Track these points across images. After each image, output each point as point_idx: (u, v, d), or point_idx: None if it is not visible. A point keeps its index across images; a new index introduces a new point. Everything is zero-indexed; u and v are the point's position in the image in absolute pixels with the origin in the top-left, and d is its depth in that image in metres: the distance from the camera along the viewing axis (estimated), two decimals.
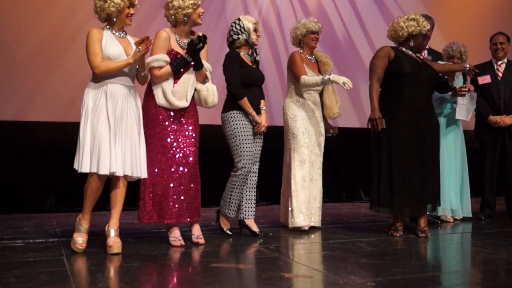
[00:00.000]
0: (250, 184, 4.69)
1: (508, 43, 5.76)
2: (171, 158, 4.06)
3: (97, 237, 4.33)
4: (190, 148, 4.14)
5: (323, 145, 5.03)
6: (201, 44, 4.01)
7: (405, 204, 4.56)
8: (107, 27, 3.96)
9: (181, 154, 4.10)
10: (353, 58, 7.50)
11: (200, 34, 4.14)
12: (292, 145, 4.93)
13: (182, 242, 4.11)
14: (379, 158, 4.63)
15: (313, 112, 4.98)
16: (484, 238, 4.68)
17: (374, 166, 4.67)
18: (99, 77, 3.84)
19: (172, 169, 4.06)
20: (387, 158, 4.58)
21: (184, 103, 4.05)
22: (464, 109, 5.41)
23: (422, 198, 4.61)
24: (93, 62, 3.82)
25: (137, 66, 3.97)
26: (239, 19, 4.67)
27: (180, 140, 4.10)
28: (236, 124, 4.51)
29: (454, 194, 5.45)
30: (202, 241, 4.19)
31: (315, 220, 4.91)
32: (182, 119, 4.12)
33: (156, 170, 4.04)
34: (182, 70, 4.06)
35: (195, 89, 4.18)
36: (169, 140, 4.06)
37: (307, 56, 5.04)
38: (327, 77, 4.69)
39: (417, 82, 4.62)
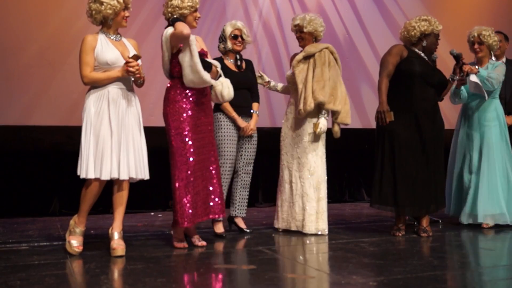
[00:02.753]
0: (243, 183, 4.82)
1: (506, 41, 5.66)
2: (200, 156, 4.11)
3: (101, 239, 4.35)
4: (212, 146, 4.23)
5: (302, 146, 4.77)
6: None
7: (407, 203, 4.57)
8: (102, 31, 3.97)
9: (207, 153, 4.17)
10: (354, 59, 7.51)
11: None
12: None
13: (186, 244, 4.13)
14: (382, 156, 4.64)
15: (291, 113, 4.89)
16: (484, 238, 4.70)
17: (376, 164, 4.68)
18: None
19: (202, 169, 4.12)
20: (391, 157, 4.59)
21: (209, 78, 4.05)
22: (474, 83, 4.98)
23: (425, 198, 4.62)
24: (83, 71, 3.84)
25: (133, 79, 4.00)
26: (224, 26, 4.79)
27: (203, 138, 4.15)
28: (218, 126, 4.66)
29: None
30: (204, 243, 4.20)
31: (295, 225, 4.80)
32: (202, 119, 4.16)
33: (189, 172, 4.05)
34: None
35: (211, 85, 4.23)
36: (195, 140, 4.09)
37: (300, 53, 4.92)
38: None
39: (426, 83, 4.63)
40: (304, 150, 4.77)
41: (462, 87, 5.07)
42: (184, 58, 4.01)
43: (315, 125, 4.67)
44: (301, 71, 4.76)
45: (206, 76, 4.03)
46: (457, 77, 4.85)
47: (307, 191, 4.73)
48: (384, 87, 4.55)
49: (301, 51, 4.89)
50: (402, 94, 4.62)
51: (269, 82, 5.10)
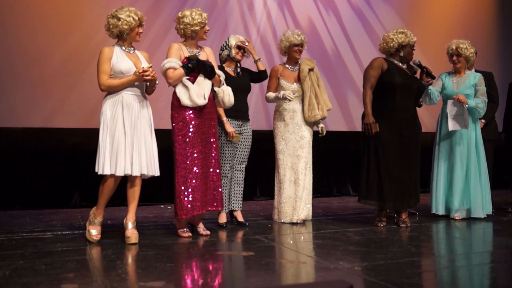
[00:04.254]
0: (237, 180, 4.82)
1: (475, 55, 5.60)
2: (200, 154, 4.08)
3: (117, 229, 4.35)
4: (213, 144, 4.19)
5: (307, 147, 4.88)
6: (190, 64, 4.05)
7: (391, 199, 4.58)
8: (118, 43, 3.98)
9: (208, 151, 4.15)
10: (340, 69, 7.51)
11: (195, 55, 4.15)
12: (275, 151, 4.97)
13: (190, 233, 4.13)
14: (368, 158, 4.63)
15: (292, 119, 4.88)
16: (456, 228, 4.70)
17: (363, 165, 4.66)
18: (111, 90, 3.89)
19: (203, 166, 4.10)
20: (376, 158, 4.59)
21: (203, 100, 4.06)
22: (453, 119, 5.03)
23: (407, 194, 4.64)
24: (100, 79, 3.85)
25: (148, 84, 4.01)
26: (228, 37, 4.77)
27: (204, 139, 4.13)
28: (220, 130, 4.63)
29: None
30: (208, 232, 4.20)
31: (303, 215, 4.83)
32: (204, 122, 4.14)
33: (188, 168, 4.04)
34: (196, 71, 4.08)
35: (215, 92, 4.22)
36: (197, 138, 4.08)
37: (288, 67, 4.96)
38: (278, 94, 4.87)
39: (406, 92, 4.61)
40: (309, 151, 4.92)
41: (430, 87, 5.00)
42: (180, 95, 4.04)
43: (322, 129, 4.96)
44: (307, 82, 4.91)
45: (199, 101, 4.03)
46: (424, 81, 4.83)
47: (308, 186, 4.91)
48: (369, 99, 4.55)
49: (284, 64, 5.01)
50: (385, 104, 4.60)
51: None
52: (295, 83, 4.92)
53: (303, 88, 4.90)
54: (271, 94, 4.93)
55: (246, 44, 4.77)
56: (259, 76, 4.92)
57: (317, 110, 4.86)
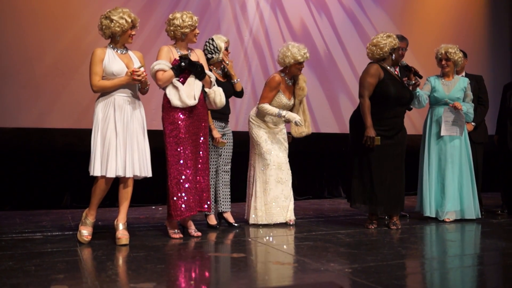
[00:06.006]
0: (224, 181, 4.80)
1: (465, 58, 5.57)
2: (191, 155, 4.08)
3: (107, 230, 4.33)
4: (202, 144, 4.17)
5: (287, 150, 4.93)
6: (183, 63, 4.05)
7: (384, 203, 4.60)
8: (110, 45, 3.96)
9: (197, 153, 4.14)
10: (332, 71, 7.52)
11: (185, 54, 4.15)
12: (257, 151, 4.85)
13: (181, 235, 4.12)
14: (360, 163, 4.64)
15: (282, 123, 4.90)
16: (446, 230, 4.72)
17: (354, 170, 4.67)
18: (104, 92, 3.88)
19: (194, 167, 4.09)
20: (368, 164, 4.59)
21: (193, 101, 4.06)
22: (450, 125, 5.10)
23: (398, 198, 4.67)
24: (92, 80, 3.84)
25: (140, 85, 4.00)
26: (212, 39, 4.67)
27: (195, 140, 4.13)
28: None
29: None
30: (199, 233, 4.19)
31: (289, 216, 4.82)
32: (195, 123, 4.13)
33: (180, 170, 4.03)
34: (186, 73, 4.09)
35: (206, 93, 4.21)
36: (187, 139, 4.08)
37: (286, 79, 4.83)
38: (283, 113, 4.71)
39: (399, 102, 4.64)
40: (287, 153, 4.92)
41: (419, 90, 5.02)
42: (170, 96, 4.04)
43: (288, 137, 4.98)
44: (303, 100, 4.97)
45: (189, 101, 4.03)
46: (412, 82, 4.86)
47: (291, 186, 4.89)
48: (368, 109, 4.53)
49: (283, 75, 4.83)
50: (378, 111, 4.59)
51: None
52: (292, 99, 4.88)
53: (295, 104, 4.89)
54: (272, 109, 4.74)
55: (228, 63, 4.67)
56: (236, 93, 4.82)
57: (304, 127, 4.88)
